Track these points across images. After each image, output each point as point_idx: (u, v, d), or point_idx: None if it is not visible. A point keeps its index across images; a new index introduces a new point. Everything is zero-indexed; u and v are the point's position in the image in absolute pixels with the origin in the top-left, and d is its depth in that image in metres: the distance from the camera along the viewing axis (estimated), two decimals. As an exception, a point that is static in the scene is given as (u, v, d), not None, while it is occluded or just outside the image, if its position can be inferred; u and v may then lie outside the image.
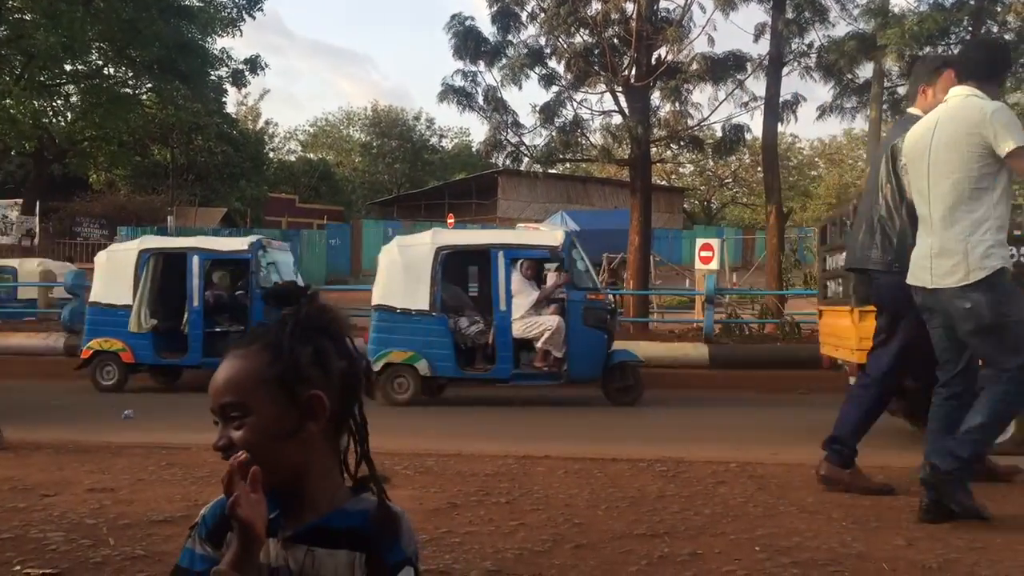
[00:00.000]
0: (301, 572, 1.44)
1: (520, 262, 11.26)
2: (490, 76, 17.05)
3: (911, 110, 5.93)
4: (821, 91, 69.92)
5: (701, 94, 61.51)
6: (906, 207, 5.50)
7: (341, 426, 1.53)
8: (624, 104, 16.78)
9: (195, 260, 12.24)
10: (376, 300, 11.41)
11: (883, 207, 5.65)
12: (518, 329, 10.94)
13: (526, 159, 18.12)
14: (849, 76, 17.36)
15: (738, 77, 16.78)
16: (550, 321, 10.86)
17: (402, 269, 11.27)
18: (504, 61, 16.83)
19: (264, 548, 1.40)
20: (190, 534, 1.53)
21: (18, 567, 4.05)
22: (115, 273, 12.44)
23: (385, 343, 11.13)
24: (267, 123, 61.92)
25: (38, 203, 26.09)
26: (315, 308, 1.51)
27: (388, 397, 10.92)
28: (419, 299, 11.07)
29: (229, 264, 13.47)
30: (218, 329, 12.58)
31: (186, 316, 12.55)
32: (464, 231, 16.58)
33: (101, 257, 12.89)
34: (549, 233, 13.01)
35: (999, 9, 16.17)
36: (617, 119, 17.03)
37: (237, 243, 13.05)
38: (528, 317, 10.95)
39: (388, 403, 10.88)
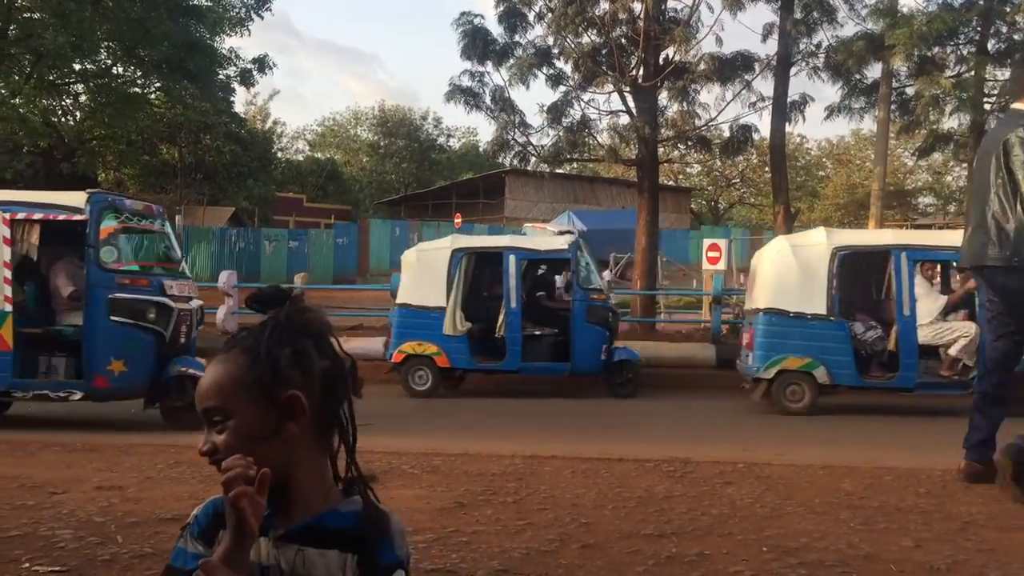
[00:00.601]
0: (292, 572, 1.45)
1: (921, 264, 10.70)
2: (498, 76, 17.08)
3: (1016, 105, 5.88)
4: (829, 91, 69.86)
5: (709, 94, 61.32)
6: (1020, 201, 5.46)
7: (328, 426, 1.52)
8: (631, 104, 16.76)
9: (511, 259, 11.76)
10: (765, 303, 10.77)
11: (995, 203, 5.61)
12: (926, 335, 10.33)
13: (533, 159, 18.12)
14: (857, 76, 17.33)
15: (746, 77, 16.75)
16: (966, 328, 10.22)
17: (795, 269, 10.63)
18: (512, 61, 16.83)
19: (255, 547, 1.41)
20: (181, 534, 1.55)
21: (27, 564, 4.06)
22: (426, 273, 11.96)
23: (776, 348, 10.54)
24: (275, 123, 61.98)
25: (47, 202, 26.18)
26: (295, 310, 1.52)
27: (780, 406, 10.51)
28: (815, 302, 10.46)
29: (544, 264, 13.11)
30: (536, 332, 12.17)
31: (501, 318, 11.94)
32: (858, 231, 15.81)
33: (410, 256, 12.45)
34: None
35: (1008, 10, 16.12)
36: (624, 119, 17.03)
37: (556, 242, 12.67)
38: (937, 323, 10.44)
39: (780, 412, 10.46)
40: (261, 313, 1.54)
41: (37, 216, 8.81)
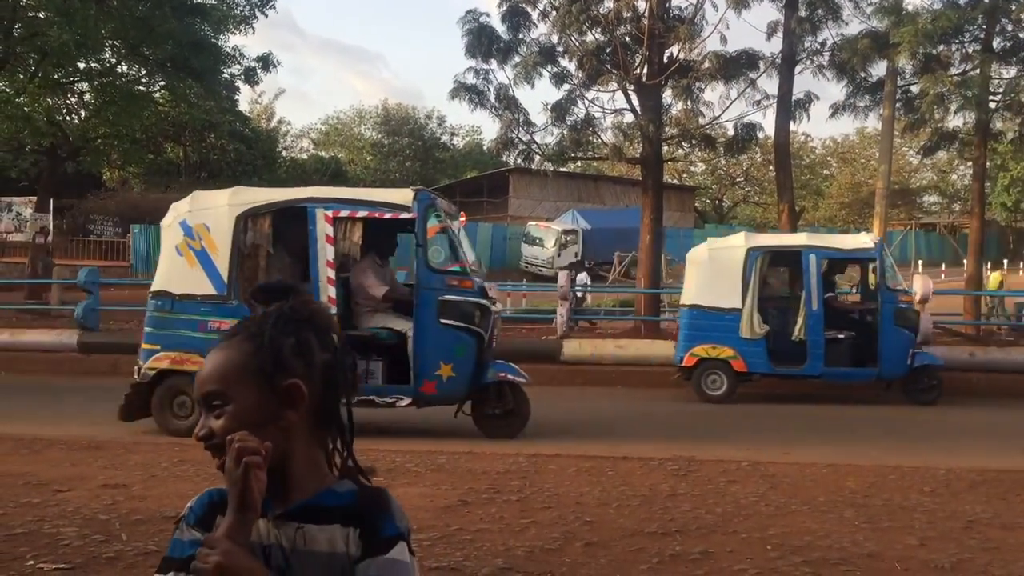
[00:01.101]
0: (293, 549, 1.46)
1: None
2: (502, 74, 17.05)
3: None
4: (834, 89, 69.73)
5: (713, 92, 61.26)
6: None
7: (327, 420, 1.52)
8: (636, 102, 16.74)
9: (812, 259, 11.41)
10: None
11: None
12: None
13: (537, 157, 18.10)
14: (862, 74, 17.28)
15: (750, 75, 16.71)
16: None
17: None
18: (516, 59, 16.81)
19: (254, 527, 1.42)
20: (177, 526, 1.54)
21: (31, 562, 4.07)
22: (719, 273, 11.54)
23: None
24: (281, 122, 62.01)
25: (52, 200, 26.17)
26: (299, 302, 1.54)
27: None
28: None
29: (840, 263, 12.68)
30: (837, 336, 11.66)
31: (800, 320, 11.48)
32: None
33: (700, 254, 12.09)
34: None
35: (1013, 8, 16.07)
36: (629, 117, 17.00)
37: (859, 240, 12.37)
38: None
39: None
40: (264, 304, 1.54)
41: (361, 214, 8.40)
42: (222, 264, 8.43)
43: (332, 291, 8.23)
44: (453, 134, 67.66)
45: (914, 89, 17.23)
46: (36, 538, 4.45)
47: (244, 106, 47.40)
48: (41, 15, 22.24)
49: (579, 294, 19.22)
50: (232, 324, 1.54)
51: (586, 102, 17.20)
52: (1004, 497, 5.68)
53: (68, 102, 26.92)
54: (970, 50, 16.71)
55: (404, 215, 8.38)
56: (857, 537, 4.63)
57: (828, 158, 63.59)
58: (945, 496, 5.66)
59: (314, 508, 1.47)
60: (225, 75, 26.75)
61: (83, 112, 27.08)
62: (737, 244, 11.85)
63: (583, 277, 21.55)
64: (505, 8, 16.79)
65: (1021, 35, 16.52)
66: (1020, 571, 4.15)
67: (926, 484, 6.01)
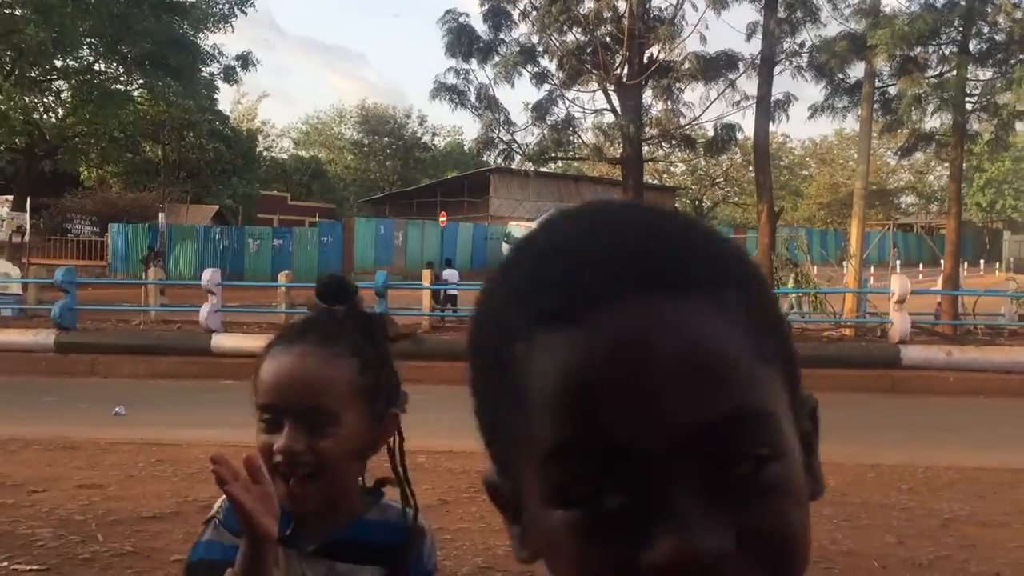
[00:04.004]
0: None
1: None
2: (482, 74, 17.05)
3: None
4: (812, 91, 70.07)
5: (693, 93, 61.56)
6: None
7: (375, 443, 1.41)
8: (616, 103, 16.77)
9: None
10: None
11: None
12: None
13: (518, 157, 18.11)
14: (840, 76, 17.38)
15: (730, 76, 16.80)
16: None
17: None
18: (496, 59, 16.81)
19: (284, 560, 1.29)
20: (205, 528, 1.38)
21: (6, 563, 4.03)
22: None
23: None
24: (264, 123, 61.72)
25: (28, 200, 25.94)
26: (368, 313, 1.42)
27: None
28: None
29: None
30: None
31: None
32: None
33: None
34: None
35: (989, 10, 16.21)
36: (609, 118, 17.04)
37: None
38: None
39: None
40: (328, 304, 1.39)
41: None
42: None
43: None
44: (434, 134, 67.63)
45: (892, 91, 17.35)
46: (11, 539, 4.40)
47: (225, 106, 47.15)
48: (17, 12, 22.07)
49: (451, 292, 19.37)
50: (294, 321, 1.35)
51: (566, 102, 17.26)
52: (981, 495, 5.72)
53: (45, 100, 26.76)
54: (947, 52, 16.85)
55: None
56: (836, 535, 4.65)
57: (807, 159, 63.99)
58: (923, 494, 5.70)
59: (348, 544, 1.34)
60: (204, 74, 26.64)
61: (60, 111, 26.92)
62: None
63: (452, 274, 21.34)
64: (487, 7, 16.79)
65: (997, 37, 16.66)
66: (997, 567, 4.18)
67: (904, 482, 6.04)
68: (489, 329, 0.59)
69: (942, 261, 18.62)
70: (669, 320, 0.51)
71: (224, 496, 1.29)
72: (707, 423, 0.49)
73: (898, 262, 34.93)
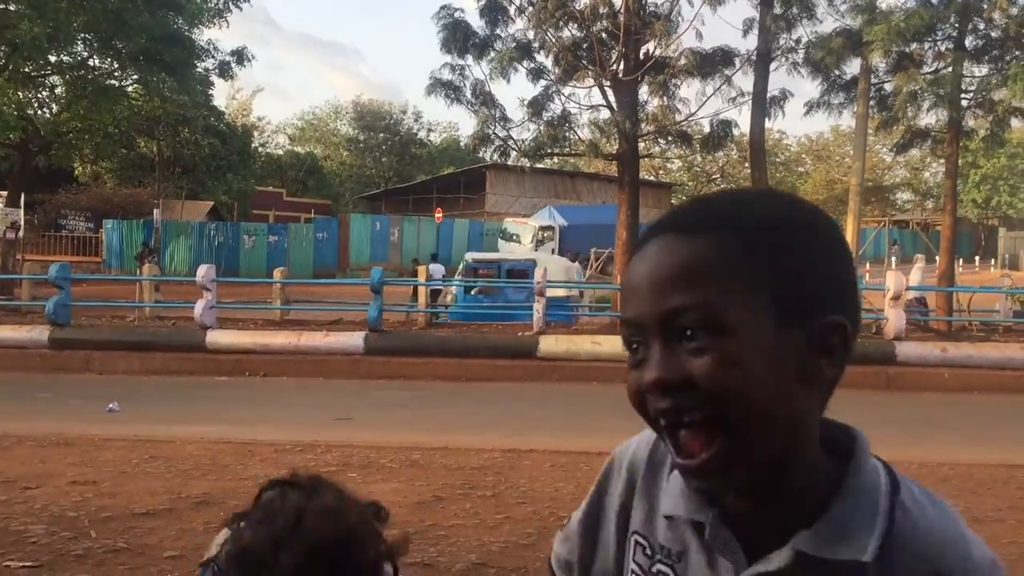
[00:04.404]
0: None
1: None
2: (478, 69, 17.00)
3: None
4: (808, 87, 70.16)
5: (689, 89, 61.66)
6: None
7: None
8: (612, 99, 16.74)
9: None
10: None
11: None
12: None
13: (514, 153, 18.06)
14: (836, 72, 17.38)
15: (726, 72, 16.75)
16: None
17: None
18: (492, 55, 16.77)
19: None
20: (203, 572, 1.22)
21: (-2, 559, 4.01)
22: None
23: None
24: (259, 119, 61.58)
25: (23, 195, 25.87)
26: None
27: None
28: None
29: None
30: None
31: None
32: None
33: None
34: None
35: (985, 6, 16.21)
36: (605, 114, 17.00)
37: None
38: None
39: None
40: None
41: None
42: None
43: None
44: (430, 130, 67.55)
45: (887, 87, 17.35)
46: (3, 535, 4.38)
47: (221, 102, 47.02)
48: (11, 7, 21.97)
49: (435, 287, 19.48)
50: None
51: (563, 98, 17.20)
52: (975, 491, 5.73)
53: (39, 96, 26.63)
54: (943, 48, 16.83)
55: None
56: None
57: (803, 155, 64.07)
58: (917, 490, 5.70)
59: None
60: (199, 69, 26.53)
61: (55, 106, 26.79)
62: None
63: (437, 269, 21.41)
64: (483, 3, 16.75)
65: (993, 34, 16.66)
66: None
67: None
68: None
69: (937, 257, 18.63)
70: (663, 250, 0.87)
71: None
72: (660, 311, 0.85)
73: (894, 259, 34.96)
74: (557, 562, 1.14)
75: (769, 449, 0.85)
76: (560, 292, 17.26)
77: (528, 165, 19.16)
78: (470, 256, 20.01)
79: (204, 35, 26.28)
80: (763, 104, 16.71)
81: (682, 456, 0.85)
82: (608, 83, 16.61)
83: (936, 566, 0.86)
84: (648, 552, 0.99)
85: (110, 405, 9.48)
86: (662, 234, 0.88)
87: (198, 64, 25.90)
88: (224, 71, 26.40)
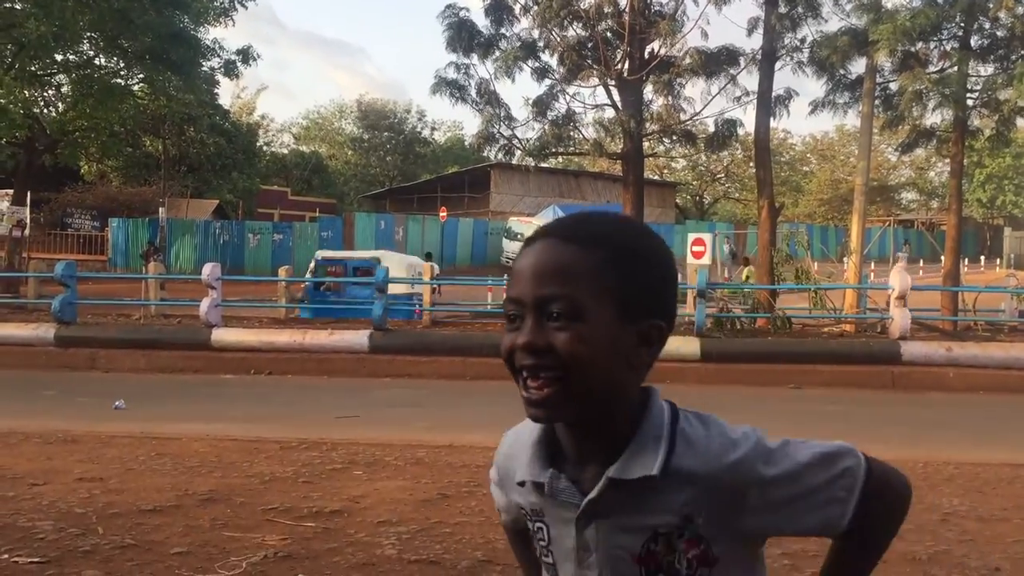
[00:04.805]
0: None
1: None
2: (483, 69, 17.03)
3: None
4: (813, 86, 70.05)
5: (694, 88, 61.61)
6: None
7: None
8: (617, 98, 16.74)
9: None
10: None
11: None
12: None
13: (519, 152, 18.08)
14: (841, 71, 17.34)
15: (731, 72, 16.75)
16: None
17: None
18: (497, 54, 16.78)
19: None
20: None
21: (6, 555, 4.03)
22: None
23: None
24: (263, 117, 61.65)
25: (29, 194, 25.93)
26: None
27: None
28: None
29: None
30: None
31: None
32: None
33: None
34: None
35: (991, 5, 16.18)
36: (610, 113, 17.01)
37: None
38: None
39: None
40: None
41: None
42: None
43: None
44: (434, 129, 67.61)
45: (893, 86, 17.32)
46: (11, 531, 4.40)
47: (225, 100, 47.11)
48: (18, 6, 22.02)
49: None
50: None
51: (567, 97, 17.21)
52: (980, 490, 5.73)
53: (45, 94, 26.67)
54: (948, 48, 16.81)
55: None
56: (835, 529, 4.65)
57: (808, 155, 63.98)
58: (922, 489, 5.70)
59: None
60: (204, 68, 26.56)
61: (61, 105, 26.84)
62: None
63: (432, 267, 21.39)
64: (488, 2, 16.77)
65: (998, 33, 16.63)
66: (996, 563, 4.19)
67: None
68: None
69: (942, 257, 18.61)
70: (547, 250, 1.19)
71: None
72: (537, 296, 1.16)
73: (902, 256, 34.87)
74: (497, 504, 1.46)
75: (594, 398, 1.17)
76: (403, 289, 17.77)
77: (533, 164, 19.19)
78: (320, 254, 20.31)
79: (210, 34, 26.28)
80: (768, 103, 16.69)
81: (530, 394, 1.18)
82: (613, 82, 16.62)
83: (710, 467, 1.17)
84: (528, 516, 1.29)
85: (116, 402, 9.51)
86: (548, 238, 1.19)
87: (204, 63, 25.92)
88: (230, 70, 26.42)
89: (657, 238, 1.26)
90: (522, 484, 1.27)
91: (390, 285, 14.81)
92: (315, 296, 18.44)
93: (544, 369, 1.16)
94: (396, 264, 18.18)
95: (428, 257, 24.41)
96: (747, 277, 19.33)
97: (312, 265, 19.52)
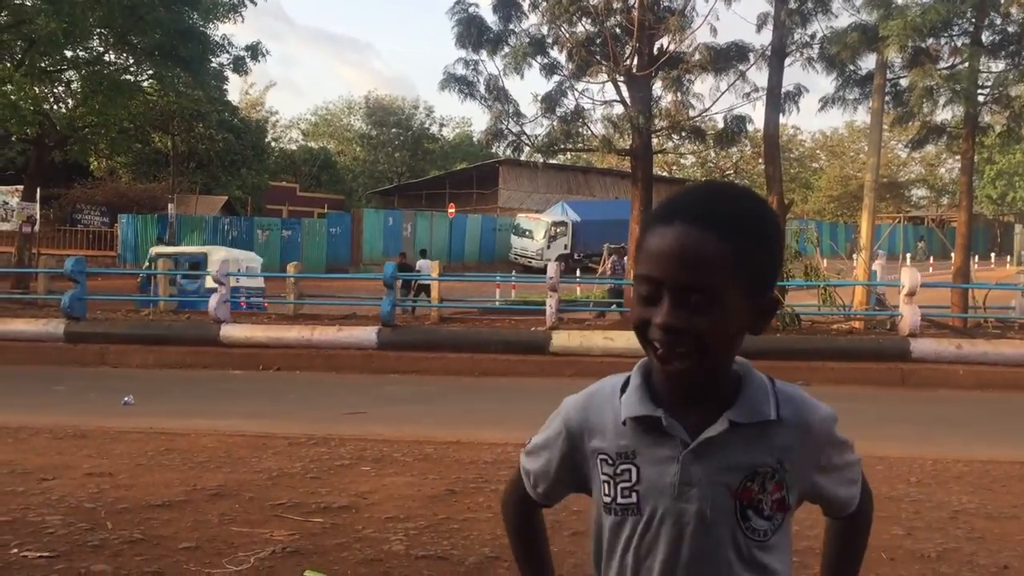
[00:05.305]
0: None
1: None
2: (492, 65, 17.02)
3: None
4: (823, 82, 69.86)
5: (703, 84, 61.43)
6: None
7: None
8: (626, 94, 16.72)
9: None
10: None
11: None
12: None
13: (527, 149, 18.06)
14: (851, 67, 17.28)
15: (740, 68, 16.71)
16: None
17: None
18: (506, 50, 16.76)
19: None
20: None
21: (16, 550, 4.05)
22: None
23: None
24: (269, 112, 61.68)
25: (39, 190, 26.00)
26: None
27: None
28: None
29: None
30: None
31: None
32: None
33: None
34: None
35: (1002, 1, 16.10)
36: (619, 109, 16.99)
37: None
38: None
39: None
40: None
41: None
42: None
43: None
44: (442, 125, 67.58)
45: (903, 82, 17.25)
46: (21, 526, 4.42)
47: (234, 96, 47.17)
48: (28, 3, 22.08)
49: (424, 282, 19.54)
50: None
51: (576, 93, 17.21)
52: (990, 487, 5.70)
53: (55, 91, 26.72)
54: (959, 44, 16.73)
55: None
56: (844, 527, 4.63)
57: (817, 151, 63.80)
58: (932, 487, 5.68)
59: None
60: (213, 64, 26.59)
61: (70, 101, 26.87)
62: None
63: (425, 264, 21.47)
64: (498, -3, 16.76)
65: (1010, 29, 16.55)
66: (1006, 560, 4.17)
67: (913, 475, 6.03)
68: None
69: (952, 254, 18.53)
70: (685, 235, 1.25)
71: None
72: (679, 281, 1.25)
73: (881, 253, 34.65)
74: (524, 473, 1.58)
75: (720, 365, 1.32)
76: (247, 283, 18.48)
77: (541, 160, 19.18)
78: (154, 250, 20.64)
79: (219, 30, 26.27)
80: (777, 99, 16.64)
81: (665, 364, 1.29)
82: (622, 78, 16.59)
83: (805, 417, 1.38)
84: (610, 461, 1.39)
85: (125, 398, 9.54)
86: (687, 223, 1.26)
87: (213, 59, 25.95)
88: (238, 66, 26.44)
89: (772, 211, 1.37)
90: (624, 424, 1.36)
91: (232, 278, 15.60)
92: (146, 288, 19.07)
93: (680, 346, 1.27)
94: (223, 258, 18.49)
95: (423, 254, 24.53)
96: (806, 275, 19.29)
97: (147, 262, 19.89)
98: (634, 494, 1.36)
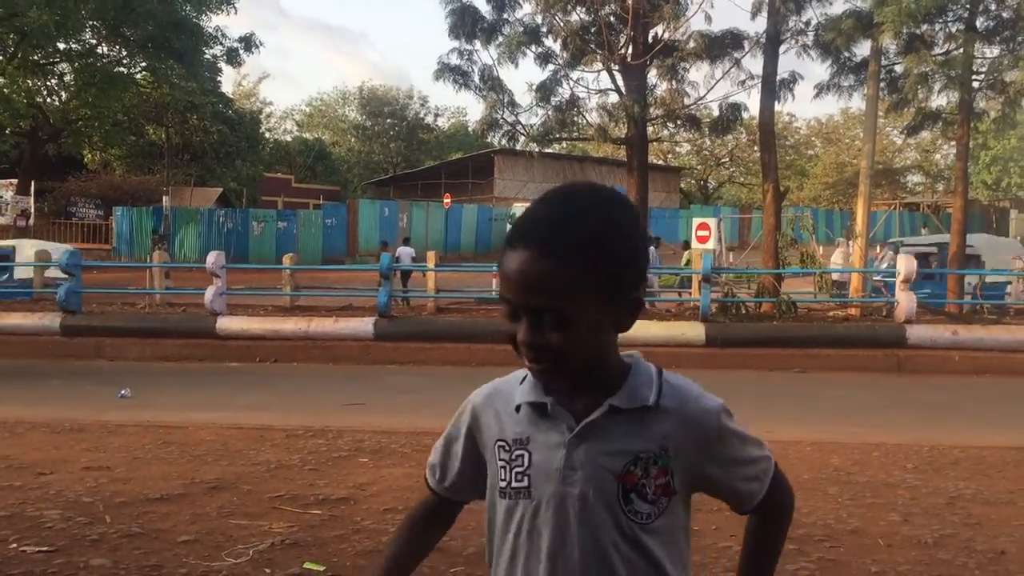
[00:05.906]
0: None
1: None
2: (486, 54, 16.97)
3: None
4: (818, 69, 69.83)
5: (698, 72, 61.38)
6: None
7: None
8: (621, 83, 16.69)
9: None
10: None
11: None
12: None
13: (522, 138, 18.03)
14: (846, 54, 17.26)
15: (735, 55, 16.68)
16: None
17: None
18: (500, 39, 16.72)
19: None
20: None
21: (14, 545, 4.05)
22: None
23: None
24: (264, 103, 61.49)
25: (33, 183, 25.94)
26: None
27: None
28: None
29: None
30: None
31: None
32: None
33: None
34: None
35: (997, -13, 16.09)
36: (614, 98, 16.96)
37: None
38: None
39: None
40: None
41: None
42: None
43: None
44: (437, 115, 67.42)
45: (898, 69, 17.24)
46: (19, 521, 4.42)
47: (227, 88, 47.00)
48: (20, -5, 22.02)
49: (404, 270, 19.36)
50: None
51: (571, 82, 17.16)
52: (986, 473, 5.73)
53: (48, 84, 26.70)
54: (953, 30, 16.71)
55: None
56: (841, 514, 4.66)
57: (813, 138, 63.70)
58: (928, 473, 5.70)
59: None
60: (207, 56, 26.54)
61: (64, 94, 26.85)
62: None
63: (407, 252, 21.43)
64: (491, -14, 16.71)
65: (1004, 14, 16.54)
66: (1002, 546, 4.19)
67: (909, 461, 6.05)
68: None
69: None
70: (529, 260, 1.30)
71: None
72: (527, 304, 1.32)
73: (842, 241, 34.65)
74: (431, 468, 1.68)
75: (586, 365, 1.37)
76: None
77: (536, 150, 19.16)
78: None
79: (212, 22, 26.22)
80: (772, 87, 16.62)
81: (533, 371, 1.39)
82: (616, 67, 16.56)
83: (688, 408, 1.42)
84: (507, 448, 1.46)
85: (122, 391, 9.53)
86: (528, 248, 1.31)
87: (206, 51, 25.90)
88: (232, 58, 26.44)
89: (626, 210, 1.40)
90: (518, 410, 1.45)
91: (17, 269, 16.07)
92: None
93: (541, 360, 1.35)
94: (28, 250, 18.81)
95: (406, 242, 24.46)
96: (687, 262, 19.22)
97: None
98: (526, 478, 1.43)
